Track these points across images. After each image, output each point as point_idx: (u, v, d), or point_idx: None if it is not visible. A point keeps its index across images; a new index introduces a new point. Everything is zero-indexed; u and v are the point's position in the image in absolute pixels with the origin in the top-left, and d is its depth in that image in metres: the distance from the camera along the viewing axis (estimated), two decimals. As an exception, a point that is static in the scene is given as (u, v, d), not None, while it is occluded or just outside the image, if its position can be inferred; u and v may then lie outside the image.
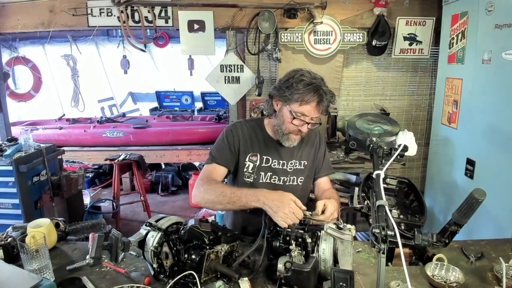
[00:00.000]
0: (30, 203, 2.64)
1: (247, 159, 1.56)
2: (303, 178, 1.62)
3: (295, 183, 1.61)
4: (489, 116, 2.39)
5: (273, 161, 1.57)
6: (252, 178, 1.57)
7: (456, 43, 2.74)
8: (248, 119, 1.72)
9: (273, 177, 1.58)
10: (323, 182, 1.71)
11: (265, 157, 1.57)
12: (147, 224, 1.21)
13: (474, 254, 1.36)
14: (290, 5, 3.14)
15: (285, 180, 1.59)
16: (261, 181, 1.57)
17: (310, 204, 1.70)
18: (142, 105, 6.79)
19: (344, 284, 0.95)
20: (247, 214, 1.59)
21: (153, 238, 1.16)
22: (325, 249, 1.10)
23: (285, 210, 1.24)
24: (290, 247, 1.16)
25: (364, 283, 1.21)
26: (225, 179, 1.65)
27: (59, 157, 3.04)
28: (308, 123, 1.45)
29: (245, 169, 1.56)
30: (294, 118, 1.43)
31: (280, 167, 1.58)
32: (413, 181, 1.66)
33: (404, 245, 0.94)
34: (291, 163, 1.60)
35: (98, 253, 1.14)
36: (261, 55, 3.32)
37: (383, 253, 0.89)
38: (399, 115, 3.54)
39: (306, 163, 1.63)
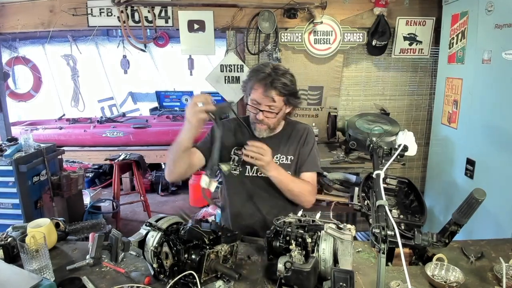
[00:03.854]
0: (30, 203, 2.64)
1: (232, 153, 1.61)
2: (290, 173, 1.63)
3: None
4: (489, 116, 2.39)
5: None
6: (238, 170, 1.62)
7: (456, 43, 2.74)
8: (239, 117, 1.74)
9: (259, 171, 1.61)
10: (306, 178, 1.65)
11: None
12: (147, 224, 1.21)
13: (474, 254, 1.36)
14: (290, 5, 3.14)
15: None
16: (247, 174, 1.63)
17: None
18: (142, 105, 6.78)
19: (344, 284, 0.95)
20: (240, 210, 1.65)
21: (153, 238, 1.16)
22: (325, 249, 1.10)
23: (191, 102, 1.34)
24: (290, 247, 1.16)
25: (364, 283, 1.21)
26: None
27: (59, 157, 3.04)
28: (262, 111, 1.49)
29: (231, 162, 1.61)
30: (248, 104, 1.52)
31: None
32: (413, 181, 1.66)
33: (404, 245, 0.94)
34: (277, 158, 1.62)
35: (98, 253, 1.14)
36: (261, 55, 3.32)
37: (383, 253, 0.89)
38: (399, 115, 3.53)
39: (292, 159, 1.64)
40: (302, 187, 1.57)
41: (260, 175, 1.61)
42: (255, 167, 1.61)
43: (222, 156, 1.59)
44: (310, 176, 1.66)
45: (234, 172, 1.61)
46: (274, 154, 1.61)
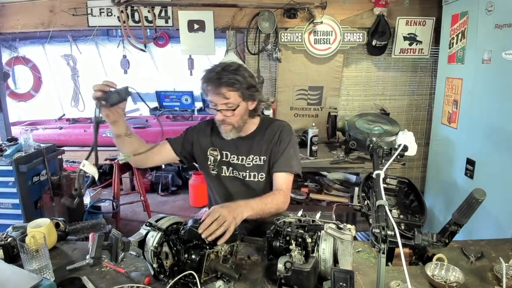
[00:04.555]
0: (30, 203, 2.65)
1: (208, 153, 1.63)
2: (263, 174, 1.58)
3: (255, 179, 1.58)
4: (489, 116, 2.39)
5: (232, 156, 1.60)
6: (215, 170, 1.62)
7: (456, 43, 2.74)
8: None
9: (234, 171, 1.60)
10: (278, 179, 1.55)
11: (224, 152, 1.61)
12: (147, 224, 1.21)
13: (474, 254, 1.36)
14: (290, 5, 3.14)
15: (245, 175, 1.59)
16: (223, 174, 1.62)
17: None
18: (142, 105, 6.78)
19: (344, 284, 0.95)
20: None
21: (153, 238, 1.16)
22: (325, 249, 1.10)
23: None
24: (290, 247, 1.16)
25: (364, 283, 1.21)
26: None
27: (59, 157, 3.04)
28: (219, 110, 1.46)
29: (208, 162, 1.63)
30: (209, 107, 1.49)
31: (239, 162, 1.59)
32: (413, 181, 1.66)
33: (404, 245, 0.94)
34: (249, 158, 1.59)
35: (98, 253, 1.14)
36: (261, 55, 3.33)
37: (383, 253, 0.89)
38: (399, 115, 3.54)
39: (265, 159, 1.58)
40: (276, 203, 1.44)
41: (236, 176, 1.60)
42: (230, 168, 1.60)
43: (198, 156, 1.65)
44: (282, 178, 1.54)
45: (212, 172, 1.62)
46: (247, 155, 1.58)
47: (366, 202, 1.46)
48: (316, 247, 1.14)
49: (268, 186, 1.60)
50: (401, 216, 1.44)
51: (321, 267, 1.10)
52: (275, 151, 1.57)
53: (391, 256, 1.38)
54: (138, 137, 1.53)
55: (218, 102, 1.44)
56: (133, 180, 4.59)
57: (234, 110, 1.45)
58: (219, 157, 1.61)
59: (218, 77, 1.41)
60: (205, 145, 1.64)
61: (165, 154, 1.65)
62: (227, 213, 1.19)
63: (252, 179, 1.58)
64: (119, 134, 1.44)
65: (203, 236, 1.12)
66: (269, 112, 3.17)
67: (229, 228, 1.16)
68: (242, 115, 1.49)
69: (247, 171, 1.58)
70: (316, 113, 3.48)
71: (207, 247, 1.13)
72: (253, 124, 1.60)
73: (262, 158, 1.58)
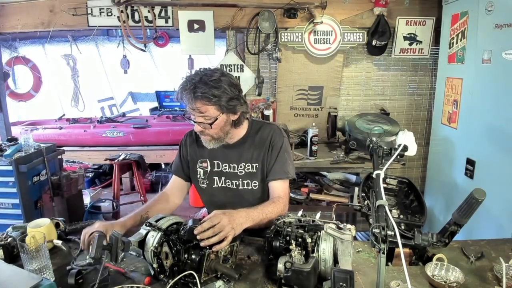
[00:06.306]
0: (30, 203, 2.64)
1: (197, 166, 1.59)
2: (257, 182, 1.54)
3: (249, 187, 1.55)
4: (489, 116, 2.39)
5: (224, 165, 1.56)
6: (205, 183, 1.59)
7: (456, 43, 2.74)
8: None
9: (227, 181, 1.57)
10: (275, 187, 1.52)
11: (215, 162, 1.57)
12: (147, 224, 1.21)
13: (474, 254, 1.36)
14: (290, 5, 3.14)
15: (238, 184, 1.56)
16: (215, 185, 1.58)
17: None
18: (142, 105, 6.78)
19: (344, 284, 0.95)
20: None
21: (153, 238, 1.16)
22: (325, 249, 1.10)
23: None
24: (290, 247, 1.16)
25: (364, 283, 1.21)
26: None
27: (59, 157, 3.03)
28: (197, 122, 1.40)
29: (198, 176, 1.60)
30: (189, 118, 1.45)
31: (231, 170, 1.55)
32: (413, 181, 1.67)
33: (404, 245, 0.94)
34: (241, 166, 1.54)
35: (98, 253, 1.14)
36: (261, 55, 3.33)
37: (383, 253, 0.89)
38: (399, 115, 3.54)
39: (258, 166, 1.53)
40: (277, 212, 1.41)
41: (228, 186, 1.57)
42: (222, 178, 1.57)
43: (185, 169, 1.63)
44: (279, 185, 1.51)
45: (202, 185, 1.60)
46: (238, 163, 1.54)
47: (366, 202, 1.46)
48: (316, 247, 1.14)
49: (261, 195, 1.56)
50: (401, 216, 1.44)
51: (321, 267, 1.10)
52: (269, 159, 1.53)
53: (391, 256, 1.38)
54: (156, 206, 1.54)
55: (197, 114, 1.37)
56: (133, 180, 4.59)
57: (211, 123, 1.38)
58: (209, 168, 1.57)
59: (194, 90, 1.32)
60: (195, 158, 1.60)
61: (183, 187, 1.66)
62: (227, 222, 1.16)
63: (245, 187, 1.55)
64: (134, 226, 1.42)
65: (198, 237, 1.12)
66: (269, 112, 3.18)
67: (226, 238, 1.14)
68: (222, 127, 1.42)
69: (240, 179, 1.55)
70: (316, 113, 3.48)
71: (207, 247, 1.13)
72: (242, 130, 1.54)
73: (254, 165, 1.54)
